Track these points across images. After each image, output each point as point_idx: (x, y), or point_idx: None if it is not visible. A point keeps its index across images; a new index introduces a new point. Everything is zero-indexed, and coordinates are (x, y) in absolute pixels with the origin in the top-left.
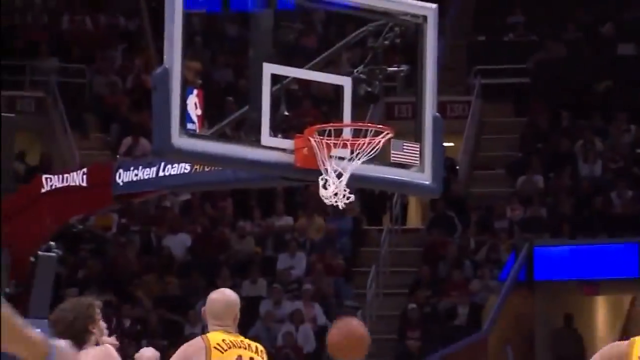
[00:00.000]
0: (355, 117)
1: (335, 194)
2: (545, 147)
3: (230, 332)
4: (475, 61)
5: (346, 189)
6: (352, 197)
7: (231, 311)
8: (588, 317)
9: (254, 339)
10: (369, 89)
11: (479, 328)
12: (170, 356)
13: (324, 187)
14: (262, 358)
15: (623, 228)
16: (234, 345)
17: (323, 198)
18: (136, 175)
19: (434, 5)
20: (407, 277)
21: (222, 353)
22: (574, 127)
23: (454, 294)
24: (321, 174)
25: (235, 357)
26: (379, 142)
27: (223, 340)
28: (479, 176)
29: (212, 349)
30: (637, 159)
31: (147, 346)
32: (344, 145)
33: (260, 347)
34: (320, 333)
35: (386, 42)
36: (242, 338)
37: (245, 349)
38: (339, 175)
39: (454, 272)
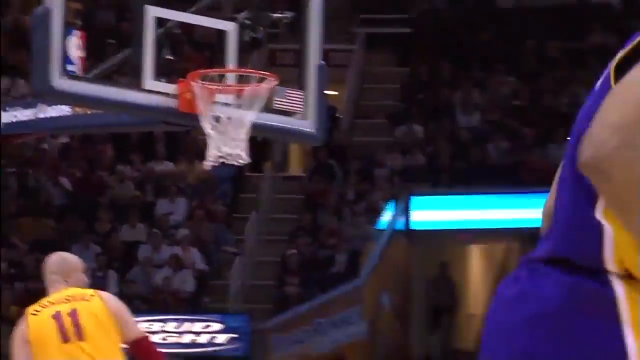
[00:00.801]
0: (238, 64)
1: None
2: (425, 98)
3: (60, 289)
4: (359, 10)
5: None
6: (244, 152)
7: (65, 268)
8: (463, 266)
9: (131, 283)
10: (254, 35)
11: (357, 276)
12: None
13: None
14: (91, 301)
15: (499, 179)
16: (53, 303)
17: (214, 155)
18: (15, 116)
19: None
20: (288, 224)
21: (37, 316)
22: (454, 78)
23: (333, 241)
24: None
25: (52, 314)
26: (263, 88)
27: (39, 304)
28: (361, 125)
29: (29, 316)
30: (514, 111)
31: (23, 289)
32: (227, 91)
33: (90, 292)
34: (199, 278)
35: None
36: (71, 292)
37: (68, 301)
38: (217, 119)
39: (333, 220)
